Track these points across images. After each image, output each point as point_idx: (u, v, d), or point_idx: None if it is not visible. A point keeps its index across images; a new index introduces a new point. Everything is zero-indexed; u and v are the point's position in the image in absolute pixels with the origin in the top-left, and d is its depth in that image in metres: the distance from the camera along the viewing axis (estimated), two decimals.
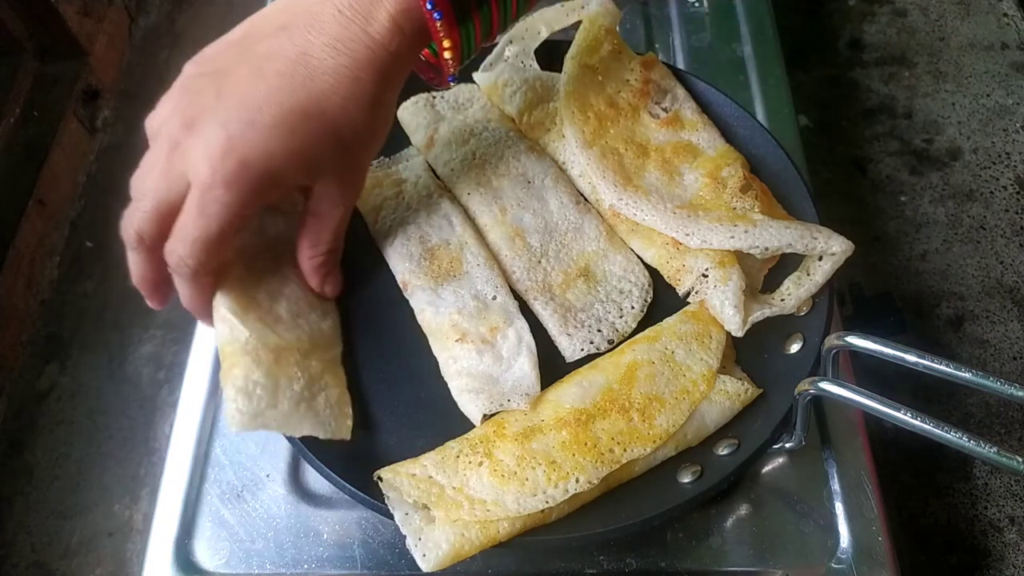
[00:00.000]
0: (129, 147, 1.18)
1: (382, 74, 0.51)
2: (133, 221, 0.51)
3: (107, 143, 1.18)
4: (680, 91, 0.70)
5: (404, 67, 0.53)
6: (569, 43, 0.69)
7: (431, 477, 0.51)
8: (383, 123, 0.55)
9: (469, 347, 0.58)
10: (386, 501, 0.51)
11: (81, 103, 1.16)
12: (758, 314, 0.58)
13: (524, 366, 0.58)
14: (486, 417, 0.56)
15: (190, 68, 0.53)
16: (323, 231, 0.56)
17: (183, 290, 0.55)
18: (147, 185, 0.51)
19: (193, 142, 0.48)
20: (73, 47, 1.16)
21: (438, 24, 0.49)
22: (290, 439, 0.56)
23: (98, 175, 1.15)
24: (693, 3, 0.95)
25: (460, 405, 0.57)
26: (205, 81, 0.50)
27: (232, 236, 0.51)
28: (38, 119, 1.09)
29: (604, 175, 0.64)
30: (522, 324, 0.60)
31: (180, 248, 0.50)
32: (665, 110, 0.70)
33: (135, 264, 0.54)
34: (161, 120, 0.51)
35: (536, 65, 0.72)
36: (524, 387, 0.56)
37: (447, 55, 0.53)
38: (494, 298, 0.61)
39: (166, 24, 1.32)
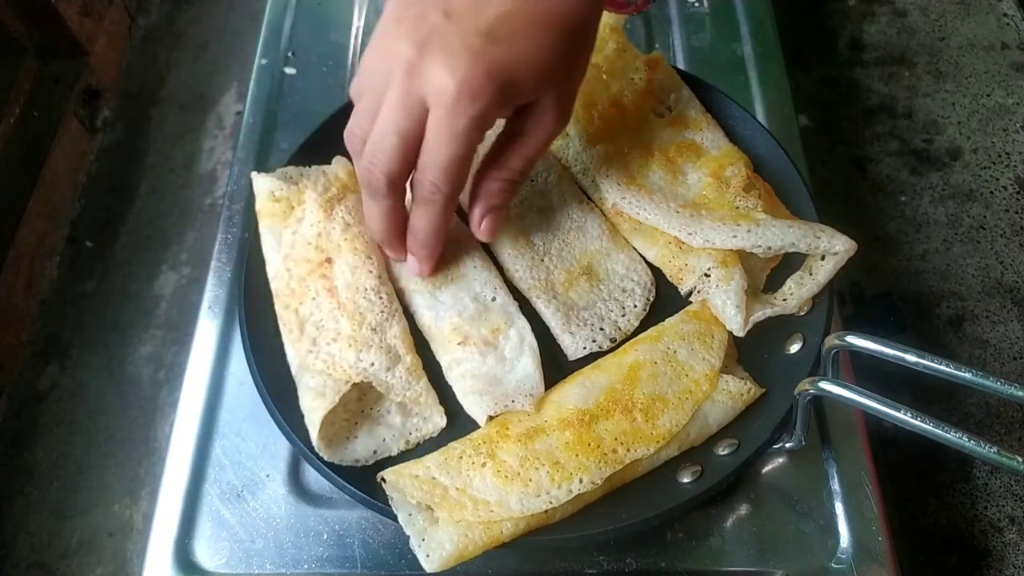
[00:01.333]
0: (129, 147, 1.18)
1: None
2: (380, 165, 0.50)
3: (107, 143, 1.18)
4: (685, 91, 0.70)
5: None
6: None
7: (434, 478, 0.51)
8: (593, 44, 0.54)
9: (472, 349, 0.58)
10: (390, 502, 0.51)
11: (81, 103, 1.16)
12: (760, 314, 0.58)
13: (527, 366, 0.58)
14: (491, 418, 0.56)
15: (395, 6, 0.50)
16: (526, 153, 0.54)
17: (431, 220, 0.53)
18: (384, 120, 0.49)
19: (432, 61, 0.47)
20: (73, 47, 1.16)
21: None
22: (290, 439, 0.56)
23: (98, 175, 1.15)
24: (693, 3, 0.95)
25: (465, 407, 0.57)
26: (424, 7, 0.49)
27: (473, 156, 0.50)
28: (38, 119, 1.09)
29: (608, 174, 0.64)
30: (523, 324, 0.60)
31: (432, 175, 0.49)
32: (669, 109, 0.70)
33: (382, 214, 0.54)
34: (374, 61, 0.50)
35: None
36: (528, 387, 0.56)
37: None
38: (493, 299, 0.61)
39: (166, 24, 1.32)
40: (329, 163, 0.65)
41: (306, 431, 0.55)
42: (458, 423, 0.57)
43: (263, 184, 0.64)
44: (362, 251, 0.61)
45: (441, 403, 0.58)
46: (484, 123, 0.49)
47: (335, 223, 0.62)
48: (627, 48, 0.71)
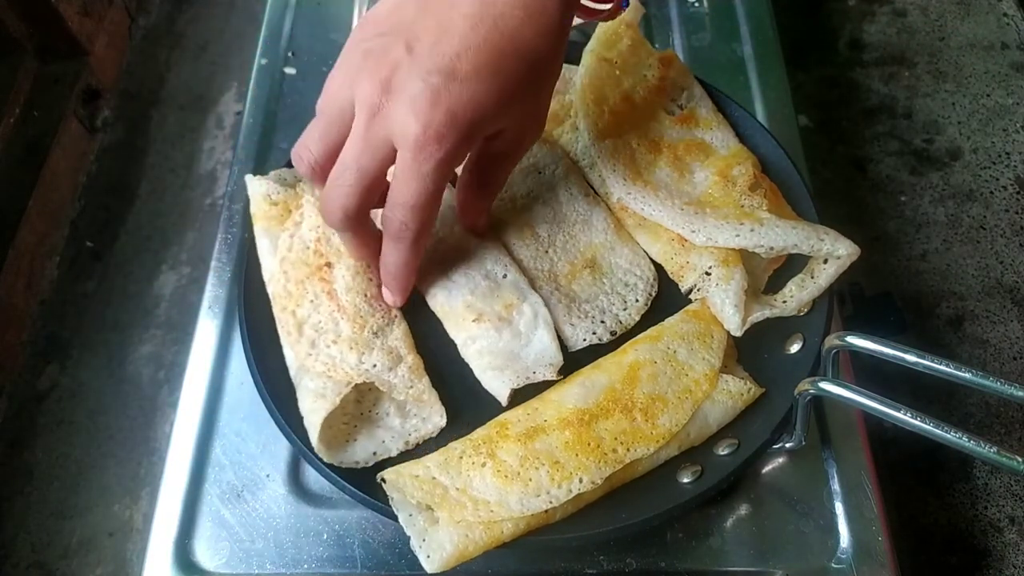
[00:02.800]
0: (129, 147, 1.18)
1: (565, 3, 0.50)
2: (336, 200, 0.50)
3: (107, 143, 1.18)
4: (697, 89, 0.70)
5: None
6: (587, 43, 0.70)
7: (435, 478, 0.51)
8: (562, 56, 0.54)
9: (486, 325, 0.58)
10: (390, 502, 0.51)
11: (81, 103, 1.16)
12: (758, 315, 0.58)
13: (543, 338, 0.58)
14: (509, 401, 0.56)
15: (364, 31, 0.50)
16: (502, 172, 0.56)
17: (400, 255, 0.54)
18: (347, 156, 0.49)
19: (395, 103, 0.47)
20: (73, 47, 1.16)
21: None
22: (290, 439, 0.56)
23: (98, 175, 1.15)
24: (693, 3, 0.95)
25: (484, 383, 0.58)
26: (389, 39, 0.48)
27: (442, 195, 0.50)
28: (38, 119, 1.09)
29: (614, 168, 0.64)
30: (536, 298, 0.60)
31: (400, 214, 0.50)
32: (681, 107, 0.70)
33: (348, 242, 0.55)
34: (337, 88, 0.50)
35: None
36: (547, 358, 0.57)
37: None
38: (504, 276, 0.61)
39: (166, 24, 1.32)
40: None
41: (306, 432, 0.55)
42: (458, 423, 0.57)
43: (258, 187, 0.64)
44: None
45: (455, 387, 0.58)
46: (451, 163, 0.49)
47: None
48: (641, 44, 0.71)
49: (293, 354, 0.58)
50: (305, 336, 0.57)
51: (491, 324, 0.58)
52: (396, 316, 0.60)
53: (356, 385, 0.55)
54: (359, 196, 0.50)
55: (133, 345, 1.00)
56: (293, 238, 0.61)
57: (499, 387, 0.56)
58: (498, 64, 0.48)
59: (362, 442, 0.56)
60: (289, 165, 0.65)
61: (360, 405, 0.58)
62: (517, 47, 0.48)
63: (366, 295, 0.59)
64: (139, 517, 0.89)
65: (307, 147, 0.51)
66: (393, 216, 0.51)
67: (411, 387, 0.56)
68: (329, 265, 0.60)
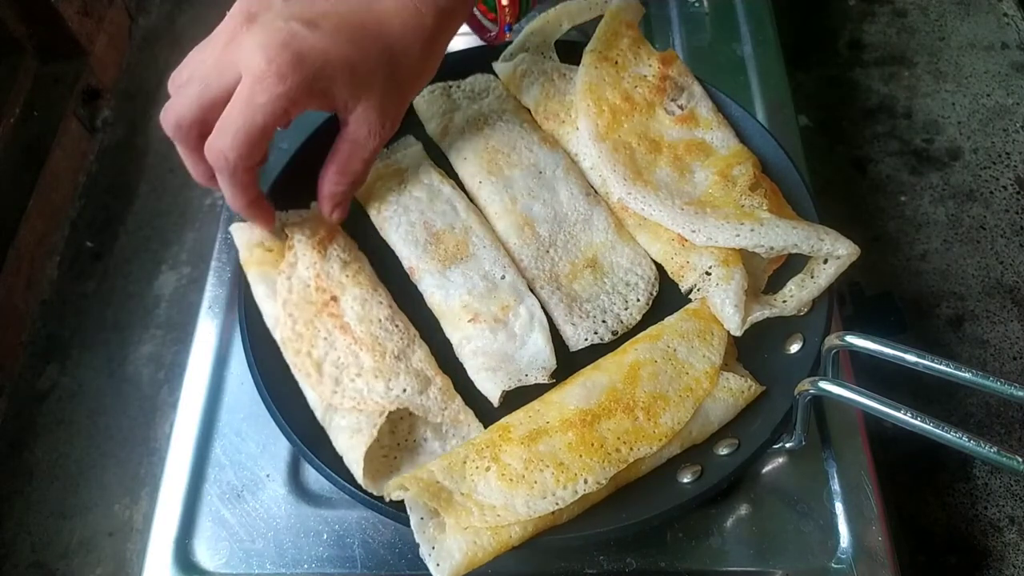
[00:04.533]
0: (129, 147, 1.18)
1: (442, 15, 0.54)
2: (174, 108, 0.52)
3: (107, 143, 1.18)
4: (697, 88, 0.70)
5: (460, 16, 0.56)
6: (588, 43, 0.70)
7: (439, 483, 0.51)
8: (432, 65, 0.57)
9: (482, 326, 0.58)
10: (405, 503, 0.50)
11: (81, 103, 1.16)
12: (758, 314, 0.58)
13: (538, 341, 0.58)
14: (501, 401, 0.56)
15: None
16: (355, 159, 0.57)
17: (225, 188, 0.55)
18: (196, 72, 0.51)
19: (252, 34, 0.50)
20: (73, 47, 1.15)
21: None
22: (290, 439, 0.56)
23: (98, 175, 1.14)
24: (693, 3, 0.95)
25: (477, 384, 0.57)
26: None
27: (271, 134, 0.51)
28: (38, 119, 1.09)
29: (615, 168, 0.64)
30: (532, 301, 0.60)
31: (221, 141, 0.51)
32: (681, 107, 0.70)
33: (184, 157, 0.55)
34: (205, 43, 0.53)
35: (556, 57, 0.73)
36: (540, 361, 0.57)
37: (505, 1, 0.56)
38: (503, 277, 0.61)
39: (166, 24, 1.32)
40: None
41: (306, 431, 0.55)
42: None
43: (246, 235, 0.63)
44: (367, 284, 0.61)
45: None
46: (286, 105, 0.50)
47: (332, 262, 0.61)
48: (641, 43, 0.71)
49: (316, 395, 0.56)
50: (327, 375, 0.56)
51: (486, 325, 0.58)
52: (415, 337, 0.59)
53: (387, 416, 0.54)
54: (195, 109, 0.51)
55: (133, 345, 1.00)
56: (291, 280, 0.60)
57: (491, 388, 0.56)
58: (357, 36, 0.51)
59: (406, 471, 0.54)
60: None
61: (395, 436, 0.57)
62: (382, 31, 0.52)
63: (379, 320, 0.59)
64: (139, 517, 0.88)
65: (179, 68, 0.53)
66: (214, 143, 0.51)
67: (445, 408, 0.56)
68: (335, 299, 0.59)
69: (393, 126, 0.57)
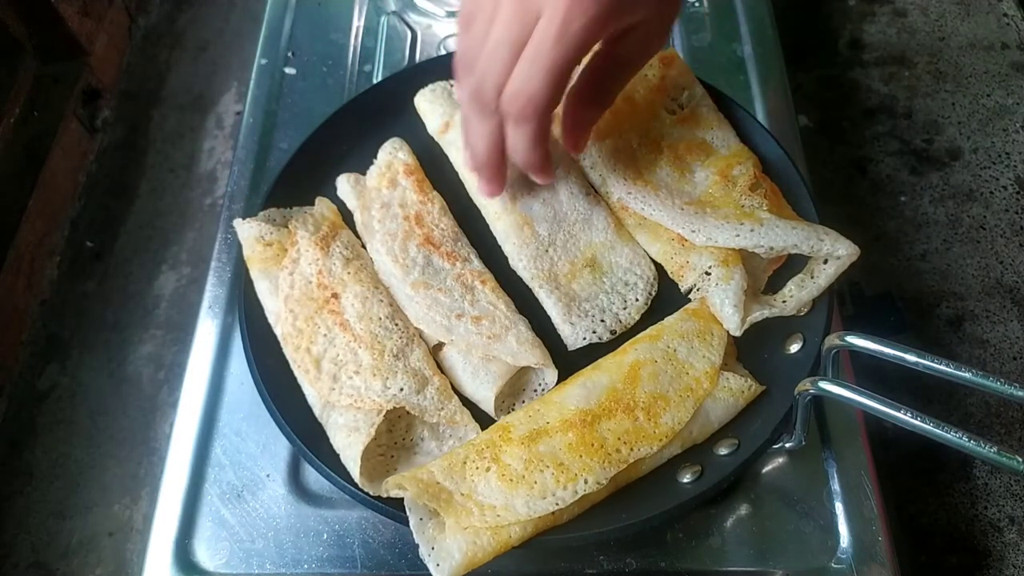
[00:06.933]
0: (129, 147, 1.18)
1: None
2: (492, 78, 0.49)
3: (107, 143, 1.18)
4: (698, 89, 0.70)
5: None
6: None
7: (439, 483, 0.51)
8: None
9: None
10: (404, 503, 0.50)
11: (81, 103, 1.16)
12: (757, 314, 0.58)
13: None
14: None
15: None
16: (618, 83, 0.55)
17: (525, 140, 0.52)
18: (498, 32, 0.48)
19: None
20: (73, 47, 1.15)
21: None
22: (290, 439, 0.56)
23: (98, 175, 1.14)
24: (693, 3, 0.95)
25: (471, 391, 0.58)
26: None
27: (575, 68, 0.49)
28: (38, 119, 1.09)
29: (615, 168, 0.64)
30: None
31: (529, 84, 0.48)
32: (681, 107, 0.70)
33: (489, 133, 0.53)
34: None
35: None
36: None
37: None
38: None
39: (166, 24, 1.32)
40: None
41: (305, 431, 0.55)
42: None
43: (249, 230, 0.63)
44: (368, 282, 0.61)
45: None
46: (594, 33, 0.48)
47: (334, 259, 0.61)
48: None
49: (315, 392, 0.57)
50: (325, 372, 0.56)
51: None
52: (414, 336, 0.59)
53: (385, 415, 0.54)
54: (508, 64, 0.48)
55: (133, 345, 1.00)
56: (293, 275, 0.61)
57: (486, 396, 0.56)
58: None
59: (403, 471, 0.54)
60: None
61: (392, 435, 0.57)
62: None
63: (379, 318, 0.59)
64: (139, 517, 0.88)
65: (471, 48, 0.50)
66: (522, 89, 0.48)
67: (442, 408, 0.56)
68: (336, 296, 0.59)
69: (664, 39, 0.55)
